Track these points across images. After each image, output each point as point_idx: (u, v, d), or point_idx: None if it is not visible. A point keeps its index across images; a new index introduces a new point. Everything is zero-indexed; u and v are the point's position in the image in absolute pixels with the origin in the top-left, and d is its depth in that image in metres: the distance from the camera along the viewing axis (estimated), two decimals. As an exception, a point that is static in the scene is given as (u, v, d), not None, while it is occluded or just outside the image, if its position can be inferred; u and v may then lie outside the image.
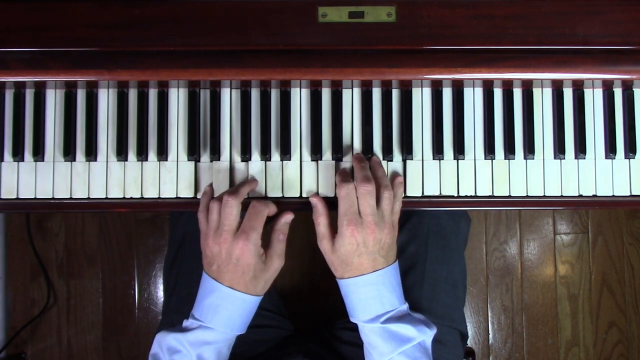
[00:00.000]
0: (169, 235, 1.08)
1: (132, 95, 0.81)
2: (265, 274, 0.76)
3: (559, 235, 1.65)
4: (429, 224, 0.95)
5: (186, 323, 0.75)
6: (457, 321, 0.97)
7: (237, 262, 0.73)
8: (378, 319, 0.73)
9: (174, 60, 0.74)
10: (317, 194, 0.79)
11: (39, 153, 0.79)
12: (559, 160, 0.80)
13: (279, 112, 0.80)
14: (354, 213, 0.73)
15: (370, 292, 0.74)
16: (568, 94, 0.81)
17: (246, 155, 0.80)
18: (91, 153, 0.80)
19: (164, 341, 0.74)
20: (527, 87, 0.81)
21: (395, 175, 0.80)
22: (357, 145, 0.80)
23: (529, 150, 0.80)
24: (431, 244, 0.95)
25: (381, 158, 0.80)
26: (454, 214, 0.98)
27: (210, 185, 0.80)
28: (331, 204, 0.78)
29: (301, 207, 0.80)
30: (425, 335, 0.74)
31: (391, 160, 0.80)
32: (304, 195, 0.79)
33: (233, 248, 0.72)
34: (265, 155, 0.79)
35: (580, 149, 0.80)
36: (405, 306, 0.76)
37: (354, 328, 0.95)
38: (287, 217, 0.78)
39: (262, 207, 0.75)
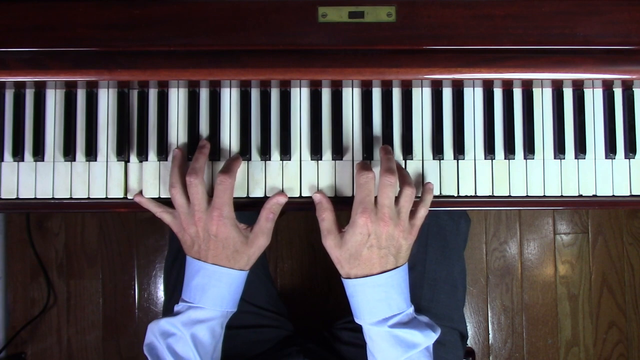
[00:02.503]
0: (170, 235, 1.08)
1: (132, 95, 0.81)
2: (248, 249, 0.75)
3: (559, 235, 1.65)
4: (428, 224, 0.95)
5: (177, 308, 0.75)
6: (457, 321, 0.97)
7: (215, 237, 0.73)
8: (385, 322, 0.72)
9: (174, 60, 0.74)
10: (320, 190, 0.79)
11: (39, 153, 0.79)
12: (559, 160, 0.80)
13: (279, 112, 0.80)
14: (370, 202, 0.71)
15: (378, 294, 0.72)
16: (568, 94, 0.81)
17: (246, 155, 0.80)
18: (91, 153, 0.80)
19: (156, 327, 0.74)
20: (527, 87, 0.81)
21: (426, 182, 0.80)
22: (358, 145, 0.80)
23: (529, 150, 0.80)
24: (431, 245, 0.95)
25: (381, 158, 0.80)
26: (454, 214, 0.98)
27: (139, 192, 0.79)
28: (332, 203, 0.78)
29: (301, 206, 0.80)
30: (431, 341, 0.73)
31: (391, 160, 0.80)
32: (304, 194, 0.79)
33: (209, 225, 0.73)
34: (265, 155, 0.79)
35: (580, 149, 0.80)
36: (411, 309, 0.74)
37: (354, 328, 0.96)
38: (280, 199, 0.77)
39: (229, 181, 0.74)
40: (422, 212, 0.76)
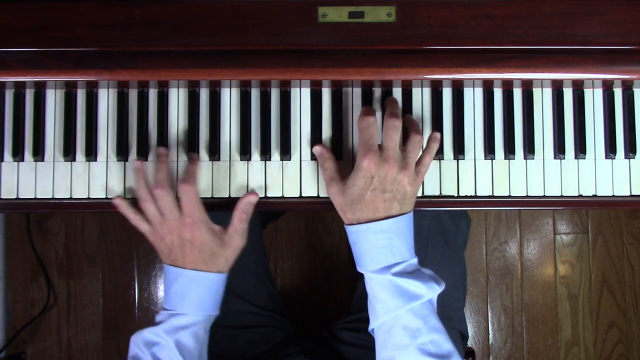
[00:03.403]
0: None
1: (132, 95, 0.81)
2: (225, 251, 0.76)
3: (559, 235, 1.65)
4: (429, 224, 0.95)
5: (159, 317, 0.76)
6: (457, 322, 0.97)
7: (191, 243, 0.74)
8: (387, 269, 0.70)
9: (174, 60, 0.74)
10: (319, 143, 0.78)
11: (39, 153, 0.79)
12: (559, 160, 0.80)
13: (279, 112, 0.80)
14: (374, 145, 0.71)
15: (380, 241, 0.70)
16: (568, 94, 0.81)
17: (246, 155, 0.80)
18: (91, 153, 0.80)
19: (139, 338, 0.74)
20: (527, 87, 0.81)
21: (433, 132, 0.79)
22: (358, 145, 0.80)
23: (529, 150, 0.80)
24: (431, 245, 0.95)
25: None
26: (454, 215, 0.98)
27: (121, 196, 0.78)
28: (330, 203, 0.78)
29: (301, 207, 0.80)
30: (435, 293, 0.71)
31: (391, 160, 0.80)
32: (304, 194, 0.79)
33: (183, 232, 0.73)
34: (265, 155, 0.79)
35: (580, 149, 0.80)
36: (415, 260, 0.73)
37: (354, 328, 0.96)
38: (251, 198, 0.78)
39: (191, 189, 0.74)
40: (428, 160, 0.75)
